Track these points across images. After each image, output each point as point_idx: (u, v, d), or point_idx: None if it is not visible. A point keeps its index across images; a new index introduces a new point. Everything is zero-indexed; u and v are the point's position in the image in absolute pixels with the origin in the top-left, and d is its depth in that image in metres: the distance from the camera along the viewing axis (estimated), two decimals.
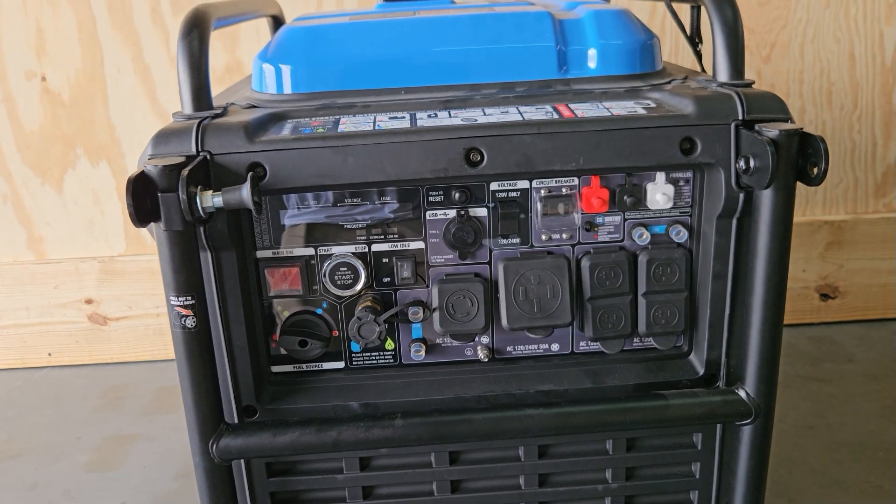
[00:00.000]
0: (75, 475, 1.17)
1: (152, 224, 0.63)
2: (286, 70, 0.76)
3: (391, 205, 0.73)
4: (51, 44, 1.40)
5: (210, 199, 0.62)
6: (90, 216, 1.49)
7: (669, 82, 0.77)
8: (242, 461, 0.76)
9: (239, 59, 1.44)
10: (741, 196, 0.69)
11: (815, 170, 0.64)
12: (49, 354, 1.53)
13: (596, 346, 0.78)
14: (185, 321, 0.65)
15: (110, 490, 1.13)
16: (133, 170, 0.62)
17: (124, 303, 1.51)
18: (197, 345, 0.66)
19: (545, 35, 0.77)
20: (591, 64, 0.78)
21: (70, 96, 1.43)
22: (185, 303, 0.64)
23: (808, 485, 1.07)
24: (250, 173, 0.64)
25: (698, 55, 0.90)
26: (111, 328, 1.52)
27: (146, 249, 1.51)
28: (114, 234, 1.51)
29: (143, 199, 0.61)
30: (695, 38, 0.89)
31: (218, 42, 1.41)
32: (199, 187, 0.62)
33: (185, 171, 0.61)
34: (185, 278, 0.64)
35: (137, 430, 1.29)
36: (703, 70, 0.90)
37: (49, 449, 1.25)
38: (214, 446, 0.69)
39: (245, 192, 0.62)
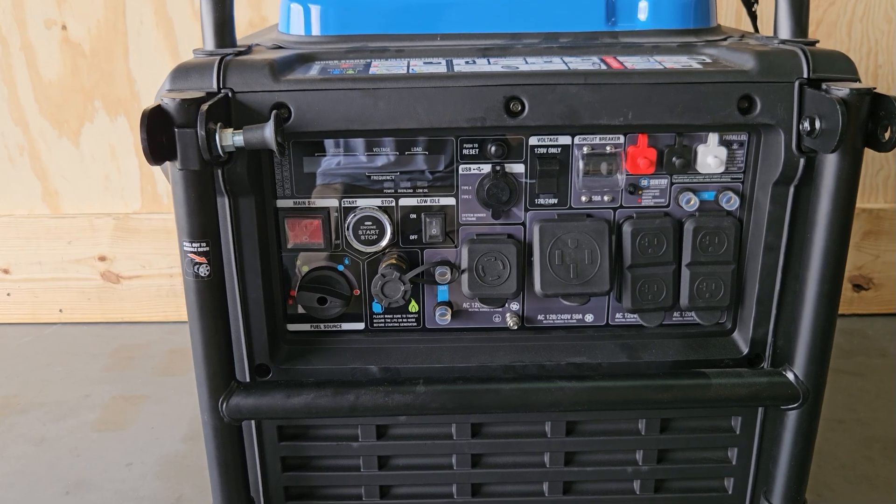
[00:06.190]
0: (82, 433, 1.15)
1: (167, 164, 0.59)
2: (315, 10, 0.72)
3: (422, 156, 0.68)
4: None
5: (230, 138, 0.58)
6: (106, 171, 1.46)
7: (725, 39, 0.72)
8: (253, 422, 0.73)
9: (264, 15, 1.39)
10: (802, 161, 0.64)
11: (888, 133, 0.59)
12: (60, 311, 1.51)
13: (633, 318, 0.73)
14: (198, 269, 0.61)
15: (117, 449, 1.11)
16: None
17: (138, 262, 1.48)
18: (210, 295, 0.62)
19: None
20: (642, 16, 0.73)
21: (91, 47, 1.39)
22: (199, 249, 0.60)
23: (838, 480, 1.03)
24: (274, 112, 0.60)
25: (753, 16, 0.85)
26: (124, 287, 1.49)
27: (162, 208, 1.47)
28: (130, 191, 1.47)
29: (159, 134, 0.57)
30: None
31: None
32: (218, 124, 0.58)
33: (205, 107, 0.57)
34: (200, 223, 0.60)
35: (147, 391, 1.26)
36: (758, 32, 0.85)
37: (57, 406, 1.22)
38: (224, 404, 0.66)
39: (268, 132, 0.57)
